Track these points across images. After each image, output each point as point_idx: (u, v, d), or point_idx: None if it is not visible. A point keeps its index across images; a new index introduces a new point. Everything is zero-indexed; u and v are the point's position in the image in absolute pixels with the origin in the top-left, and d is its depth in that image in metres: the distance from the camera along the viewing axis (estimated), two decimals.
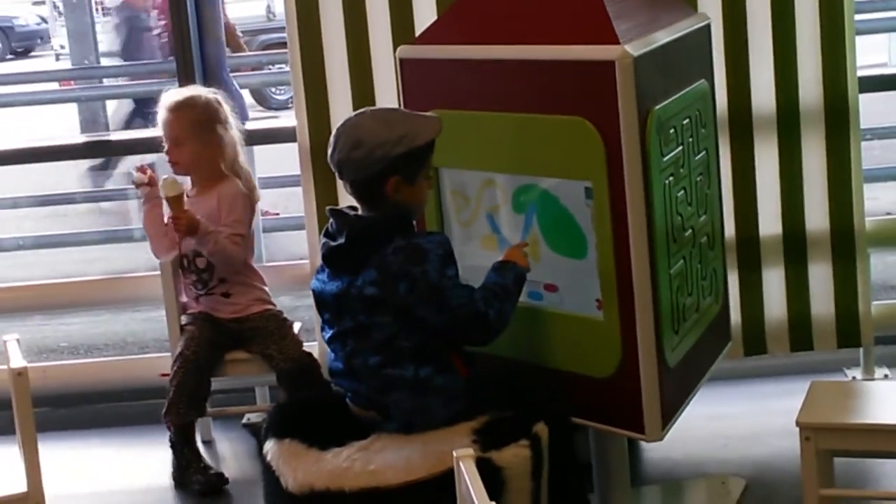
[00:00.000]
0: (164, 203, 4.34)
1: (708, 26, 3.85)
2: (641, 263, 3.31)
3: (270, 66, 9.09)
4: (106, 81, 9.45)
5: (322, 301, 3.42)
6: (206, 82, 4.91)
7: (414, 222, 3.46)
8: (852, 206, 4.60)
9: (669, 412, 3.47)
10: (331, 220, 3.40)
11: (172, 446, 4.42)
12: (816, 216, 4.63)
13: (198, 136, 4.41)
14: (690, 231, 3.59)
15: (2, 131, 9.52)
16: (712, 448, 4.38)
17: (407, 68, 3.70)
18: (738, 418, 4.62)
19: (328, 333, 3.43)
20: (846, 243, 4.62)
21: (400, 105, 3.72)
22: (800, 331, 4.71)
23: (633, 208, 3.27)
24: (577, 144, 3.31)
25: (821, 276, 4.68)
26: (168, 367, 4.43)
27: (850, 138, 4.56)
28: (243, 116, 5.12)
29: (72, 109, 9.73)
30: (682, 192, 3.53)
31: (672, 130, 3.44)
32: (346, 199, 3.71)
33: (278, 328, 4.47)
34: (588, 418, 3.51)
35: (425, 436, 3.29)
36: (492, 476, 3.08)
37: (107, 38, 10.21)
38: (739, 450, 4.35)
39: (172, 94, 4.51)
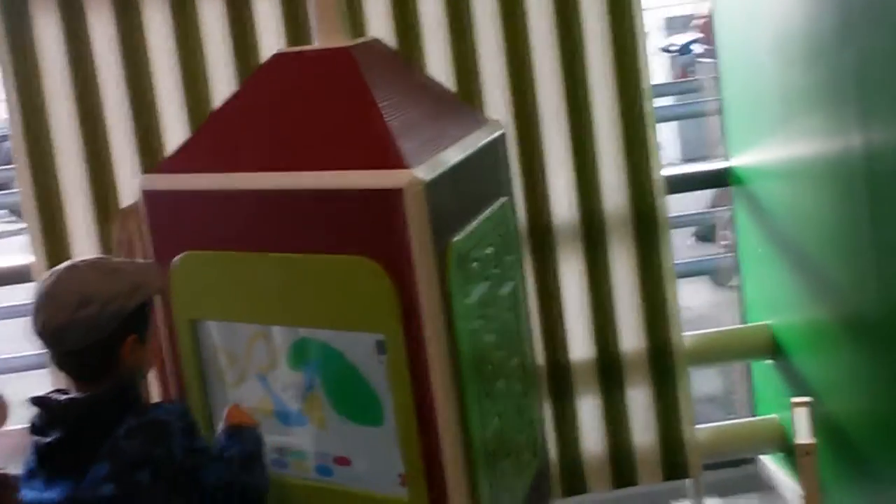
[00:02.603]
0: None
1: (503, 137, 3.34)
2: (450, 430, 2.73)
3: None
4: None
5: None
6: None
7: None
8: (668, 322, 4.15)
9: None
10: (37, 411, 2.70)
11: None
12: (630, 335, 4.18)
13: None
14: (503, 381, 3.04)
15: None
16: None
17: (153, 201, 3.06)
18: None
19: None
20: (664, 363, 4.18)
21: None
22: (622, 465, 4.24)
23: (437, 364, 2.70)
24: (364, 289, 2.72)
25: (640, 402, 4.21)
26: None
27: (661, 247, 4.12)
28: None
29: None
30: (493, 336, 2.98)
31: (475, 264, 2.89)
32: None
33: None
34: None
35: None
36: None
37: None
38: None
39: None
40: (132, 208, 3.32)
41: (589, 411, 4.22)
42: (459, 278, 2.77)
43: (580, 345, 4.18)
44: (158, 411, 2.70)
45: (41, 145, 3.99)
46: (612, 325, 4.17)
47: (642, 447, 4.24)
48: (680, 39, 9.47)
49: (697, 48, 8.55)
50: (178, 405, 2.83)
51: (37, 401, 2.69)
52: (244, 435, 2.82)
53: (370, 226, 2.70)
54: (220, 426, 2.86)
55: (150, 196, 3.07)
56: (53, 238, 4.03)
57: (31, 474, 2.68)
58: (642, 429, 4.23)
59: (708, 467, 4.42)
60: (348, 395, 2.89)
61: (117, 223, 3.54)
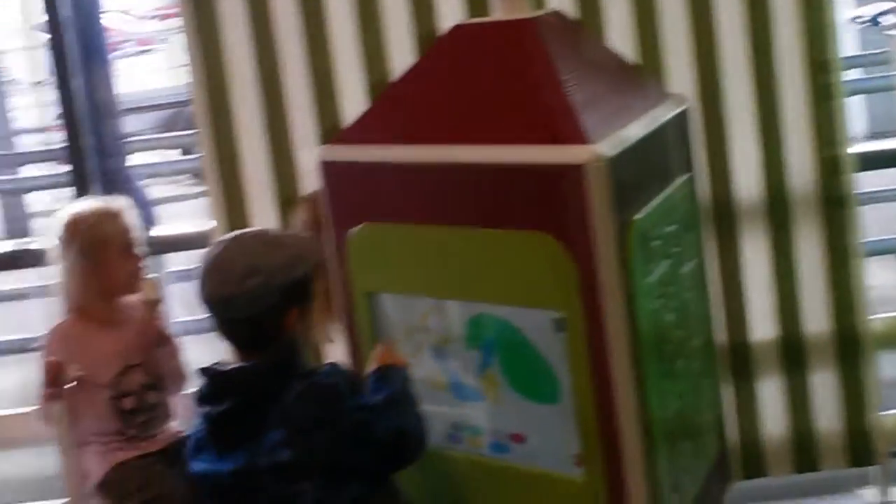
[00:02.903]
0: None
1: (687, 112, 3.25)
2: (629, 410, 2.67)
3: None
4: None
5: (215, 487, 2.69)
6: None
7: None
8: (855, 303, 3.99)
9: None
10: (203, 381, 2.74)
11: None
12: (815, 317, 4.02)
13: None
14: (684, 361, 2.96)
15: None
16: None
17: (331, 173, 3.07)
18: None
19: None
20: (850, 347, 4.02)
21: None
22: (804, 449, 4.10)
23: (616, 343, 2.64)
24: (543, 266, 2.68)
25: (824, 386, 4.06)
26: None
27: (849, 226, 3.96)
28: (149, 222, 4.48)
29: None
30: (673, 315, 2.90)
31: (657, 242, 2.82)
32: None
33: None
34: None
35: None
36: None
37: None
38: None
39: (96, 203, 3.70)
40: (313, 195, 3.34)
41: (770, 394, 4.07)
42: (641, 256, 2.71)
43: (762, 325, 4.03)
44: (323, 375, 2.73)
45: (222, 112, 4.03)
46: (796, 306, 4.01)
47: (826, 432, 4.08)
48: (869, 10, 9.11)
49: (888, 19, 8.24)
50: (335, 365, 2.84)
51: (203, 371, 2.74)
52: (391, 377, 2.81)
53: (551, 201, 2.65)
54: (369, 367, 2.85)
55: (328, 167, 3.07)
56: (233, 204, 4.07)
57: (199, 445, 2.72)
58: (826, 413, 4.06)
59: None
60: (525, 372, 2.85)
61: (299, 210, 3.56)
